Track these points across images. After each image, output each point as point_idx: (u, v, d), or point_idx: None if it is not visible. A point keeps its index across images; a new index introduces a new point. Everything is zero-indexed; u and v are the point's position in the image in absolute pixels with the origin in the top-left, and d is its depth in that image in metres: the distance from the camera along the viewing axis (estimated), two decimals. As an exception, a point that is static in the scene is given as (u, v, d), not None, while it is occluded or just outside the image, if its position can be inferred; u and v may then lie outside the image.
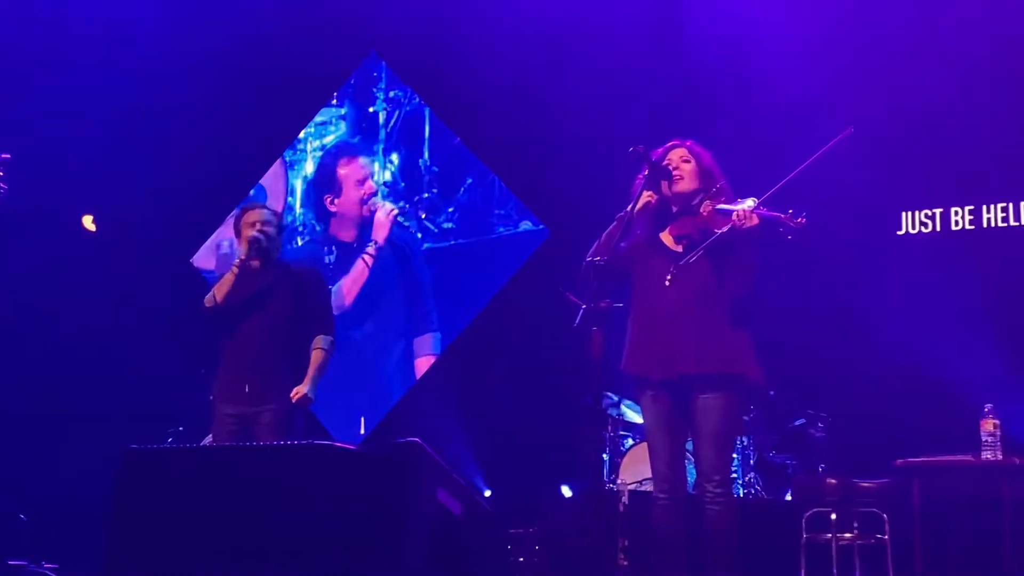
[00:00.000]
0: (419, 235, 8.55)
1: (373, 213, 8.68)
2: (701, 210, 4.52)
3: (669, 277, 4.48)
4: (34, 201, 7.64)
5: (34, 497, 6.63)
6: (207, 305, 5.25)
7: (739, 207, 4.38)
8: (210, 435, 5.34)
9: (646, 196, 4.48)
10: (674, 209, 4.63)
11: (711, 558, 4.39)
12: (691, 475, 6.18)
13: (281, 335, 5.24)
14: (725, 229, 4.40)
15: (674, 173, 4.57)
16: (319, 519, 3.94)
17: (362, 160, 8.84)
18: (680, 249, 4.53)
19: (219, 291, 5.24)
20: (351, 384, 8.35)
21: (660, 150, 4.65)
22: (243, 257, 5.27)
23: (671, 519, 4.48)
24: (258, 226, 5.33)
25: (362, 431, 8.38)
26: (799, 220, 4.28)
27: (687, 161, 4.61)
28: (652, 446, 4.58)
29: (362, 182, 8.78)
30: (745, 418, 6.61)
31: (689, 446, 4.98)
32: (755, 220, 4.35)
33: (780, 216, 4.31)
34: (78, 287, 8.19)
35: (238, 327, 5.27)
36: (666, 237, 4.61)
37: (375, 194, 8.70)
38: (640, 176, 4.58)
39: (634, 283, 4.63)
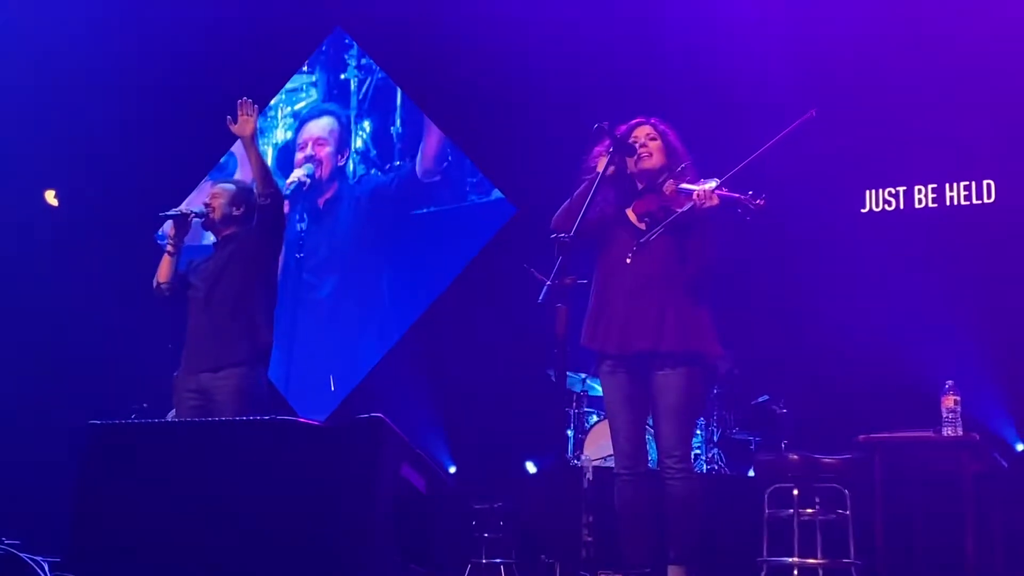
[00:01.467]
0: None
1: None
2: (664, 188, 4.53)
3: (630, 255, 4.50)
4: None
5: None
6: (153, 288, 5.33)
7: (700, 187, 4.40)
8: (173, 411, 5.33)
9: (603, 161, 4.46)
10: (639, 186, 4.64)
11: (674, 533, 4.42)
12: (653, 451, 6.22)
13: (236, 301, 5.23)
14: (686, 208, 4.42)
15: (640, 150, 4.58)
16: (283, 495, 3.92)
17: (325, 121, 8.81)
18: (643, 227, 4.54)
19: (160, 274, 5.32)
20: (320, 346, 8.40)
21: (624, 127, 4.66)
22: (170, 236, 5.32)
23: (633, 495, 4.50)
24: (206, 200, 5.37)
25: (332, 388, 8.35)
26: (758, 202, 4.31)
27: (654, 139, 4.62)
28: (612, 422, 4.59)
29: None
30: (709, 391, 6.66)
31: (650, 422, 5.02)
32: (715, 200, 4.37)
33: (739, 197, 4.33)
34: (41, 263, 8.11)
35: (197, 299, 5.27)
36: (630, 214, 4.62)
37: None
38: (598, 149, 4.58)
39: (598, 258, 4.64)
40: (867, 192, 7.05)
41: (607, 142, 4.53)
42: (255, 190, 5.29)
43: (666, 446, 4.45)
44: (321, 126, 8.82)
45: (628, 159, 4.59)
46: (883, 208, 7.03)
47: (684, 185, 4.48)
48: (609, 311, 4.53)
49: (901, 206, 6.98)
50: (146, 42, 8.46)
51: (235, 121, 5.25)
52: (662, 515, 4.49)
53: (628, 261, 4.49)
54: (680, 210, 4.43)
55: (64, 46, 8.33)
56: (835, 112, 6.96)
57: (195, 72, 8.28)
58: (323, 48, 8.87)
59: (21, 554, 3.98)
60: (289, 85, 8.87)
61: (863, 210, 7.06)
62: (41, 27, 8.28)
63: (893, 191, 7.01)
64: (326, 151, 8.81)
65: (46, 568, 3.93)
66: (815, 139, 6.91)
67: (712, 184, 4.42)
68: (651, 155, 4.59)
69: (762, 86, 6.97)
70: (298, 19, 8.65)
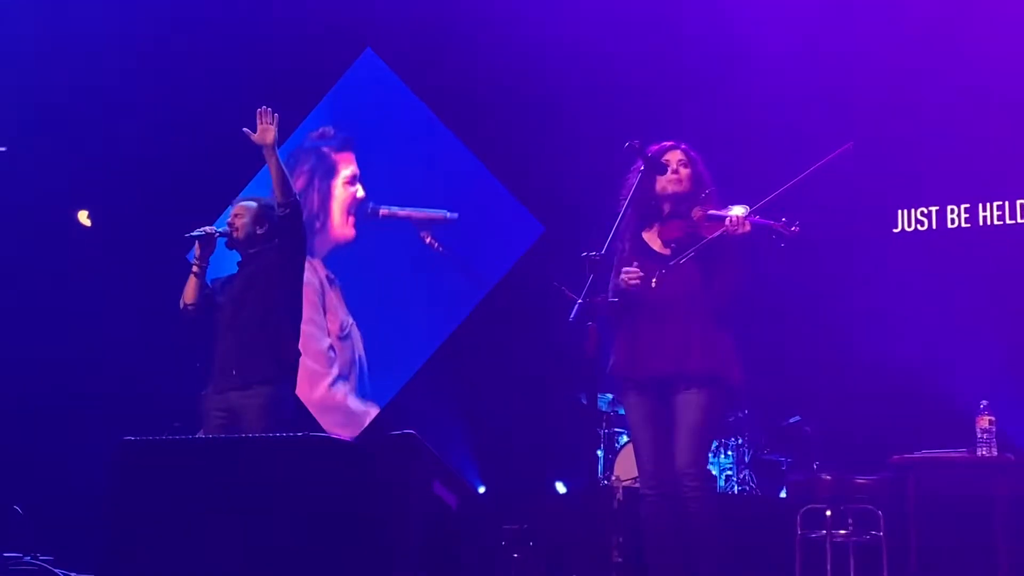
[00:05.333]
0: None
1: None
2: (692, 214, 4.54)
3: (655, 279, 4.51)
4: (30, 195, 7.63)
5: (29, 490, 6.62)
6: (180, 308, 5.35)
7: (731, 213, 4.41)
8: (201, 431, 5.35)
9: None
10: (665, 210, 4.66)
11: (701, 550, 4.41)
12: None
13: (262, 318, 5.25)
14: (716, 235, 4.43)
15: (672, 175, 4.60)
16: (314, 512, 3.93)
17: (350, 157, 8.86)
18: (668, 252, 4.56)
19: (186, 294, 5.34)
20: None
21: (656, 148, 4.68)
22: (197, 255, 5.34)
23: (659, 515, 4.51)
24: (229, 219, 5.41)
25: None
26: (793, 228, 4.34)
27: (685, 165, 4.65)
28: (637, 444, 4.62)
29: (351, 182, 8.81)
30: (733, 417, 6.64)
31: None
32: (747, 227, 4.40)
33: (773, 224, 4.36)
34: (74, 282, 8.17)
35: (224, 317, 5.30)
36: (652, 239, 4.66)
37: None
38: (635, 169, 4.60)
39: (620, 283, 4.64)
40: (899, 212, 7.02)
41: (640, 164, 4.56)
42: (275, 202, 5.31)
43: (681, 463, 4.46)
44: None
45: (658, 178, 4.61)
46: (915, 228, 6.99)
47: (714, 212, 4.49)
48: (635, 337, 4.56)
49: (934, 226, 6.94)
50: (178, 62, 8.52)
51: (254, 131, 5.28)
52: (687, 535, 4.50)
53: (653, 286, 4.51)
54: (710, 236, 4.44)
55: (98, 66, 8.41)
56: (867, 132, 6.96)
57: (228, 90, 8.34)
58: (349, 73, 8.92)
59: (56, 570, 4.01)
60: (313, 111, 8.93)
61: (895, 230, 7.02)
62: (76, 47, 8.36)
63: (925, 211, 6.97)
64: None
65: (79, 584, 3.95)
66: (847, 159, 6.90)
67: (741, 210, 4.44)
68: (681, 181, 4.62)
69: (794, 107, 6.96)
70: (330, 39, 8.71)
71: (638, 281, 4.48)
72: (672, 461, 4.50)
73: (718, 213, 4.48)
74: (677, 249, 4.51)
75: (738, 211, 4.45)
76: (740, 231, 4.40)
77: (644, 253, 4.61)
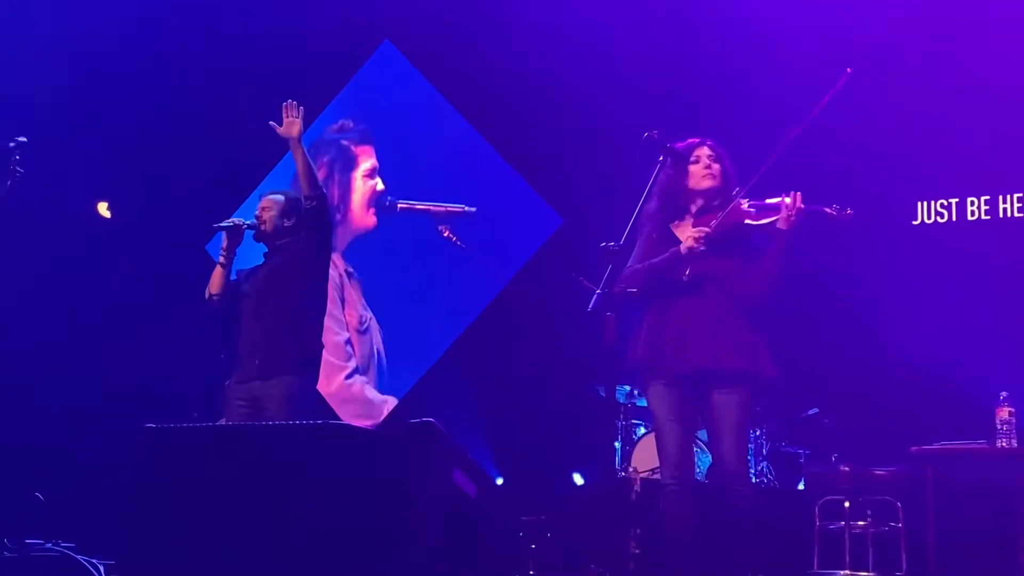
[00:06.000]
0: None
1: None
2: (735, 205, 4.54)
3: (687, 273, 4.51)
4: (51, 187, 7.67)
5: (51, 477, 6.67)
6: (205, 299, 5.42)
7: (781, 201, 4.44)
8: (223, 420, 5.38)
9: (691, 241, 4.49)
10: (693, 207, 4.66)
11: (742, 547, 4.48)
12: (702, 464, 6.21)
13: (286, 309, 5.29)
14: (763, 222, 4.44)
15: (706, 170, 4.60)
16: (334, 499, 3.95)
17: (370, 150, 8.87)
18: (702, 248, 4.55)
19: (211, 285, 5.41)
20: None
21: (682, 144, 4.68)
22: (224, 247, 5.39)
23: (680, 505, 4.53)
24: (257, 211, 5.44)
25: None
26: (847, 212, 4.37)
27: (715, 160, 4.65)
28: (661, 434, 4.63)
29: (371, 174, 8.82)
30: (756, 408, 6.65)
31: (702, 435, 5.01)
32: (800, 214, 4.41)
33: (826, 209, 4.37)
34: (95, 272, 8.22)
35: (248, 308, 5.33)
36: (683, 232, 4.65)
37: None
38: (661, 161, 4.60)
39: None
40: (919, 204, 6.99)
41: (662, 157, 4.57)
42: (302, 195, 5.34)
43: (731, 466, 4.51)
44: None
45: (691, 172, 4.61)
46: (935, 220, 6.96)
47: (769, 200, 4.51)
48: (666, 330, 4.57)
49: (954, 218, 6.90)
50: (199, 54, 8.55)
51: (280, 124, 5.31)
52: (707, 527, 4.53)
53: (685, 279, 4.51)
54: (758, 223, 4.45)
55: (118, 58, 8.45)
56: (887, 123, 6.94)
57: (247, 82, 8.37)
58: (366, 66, 8.93)
59: (77, 556, 4.04)
60: (333, 103, 8.94)
61: (915, 222, 6.99)
62: (97, 39, 8.40)
63: (945, 203, 6.94)
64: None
65: (101, 570, 3.98)
66: (866, 150, 6.89)
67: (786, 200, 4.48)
68: (715, 176, 4.62)
69: (812, 100, 6.93)
70: (348, 32, 8.72)
71: (702, 238, 4.45)
72: (720, 462, 4.56)
73: (766, 202, 4.50)
74: (714, 245, 4.51)
75: (746, 205, 4.50)
76: (795, 217, 4.41)
77: (674, 245, 4.62)
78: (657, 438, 4.68)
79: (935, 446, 5.33)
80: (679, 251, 4.53)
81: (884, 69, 7.06)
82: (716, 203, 4.63)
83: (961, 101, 6.82)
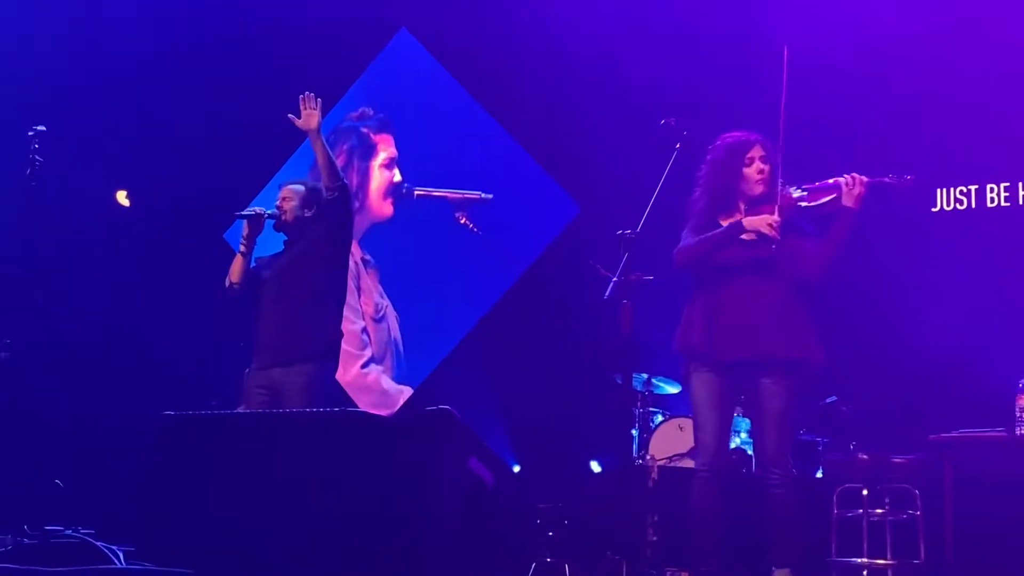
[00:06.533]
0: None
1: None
2: (783, 196, 4.55)
3: (738, 264, 4.56)
4: (69, 175, 7.70)
5: (71, 464, 6.72)
6: (225, 287, 5.44)
7: (835, 182, 4.49)
8: (242, 407, 5.41)
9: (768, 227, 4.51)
10: (741, 203, 4.66)
11: (778, 538, 4.54)
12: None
13: (304, 298, 5.31)
14: (823, 201, 4.45)
15: (758, 175, 4.64)
16: (351, 486, 3.97)
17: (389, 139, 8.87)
18: (753, 237, 4.59)
19: (232, 273, 5.43)
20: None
21: (737, 141, 4.68)
22: (244, 235, 5.41)
23: (709, 493, 4.58)
24: (277, 201, 5.46)
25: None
26: (908, 177, 4.40)
27: (765, 161, 4.66)
28: (699, 420, 4.67)
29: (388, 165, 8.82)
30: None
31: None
32: (863, 187, 4.42)
33: (887, 180, 4.40)
34: (114, 261, 8.26)
35: (268, 295, 5.35)
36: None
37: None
38: (712, 159, 4.63)
39: (700, 267, 4.68)
40: (938, 191, 6.94)
41: (720, 158, 4.61)
42: (323, 185, 5.36)
43: (772, 456, 4.55)
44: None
45: (744, 172, 4.63)
46: (954, 207, 6.92)
47: (818, 183, 4.54)
48: (717, 319, 4.59)
49: (973, 205, 6.86)
50: (215, 42, 8.57)
51: (298, 117, 5.32)
52: (739, 516, 4.57)
53: (735, 270, 4.53)
54: (817, 203, 4.47)
55: (136, 47, 8.47)
56: (905, 110, 6.90)
57: (264, 71, 8.39)
58: (383, 54, 8.92)
59: (97, 543, 4.06)
60: (350, 91, 8.94)
61: (934, 209, 6.95)
62: (115, 29, 8.43)
63: (965, 190, 6.90)
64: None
65: (121, 557, 4.00)
66: (885, 137, 6.85)
67: (797, 192, 4.51)
68: (766, 180, 4.64)
69: (829, 86, 6.91)
70: (365, 20, 8.72)
71: (778, 226, 4.48)
72: (761, 449, 4.59)
73: (816, 184, 4.54)
74: (762, 235, 4.54)
75: (796, 192, 4.53)
76: (857, 190, 4.42)
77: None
78: (695, 424, 4.72)
79: (953, 434, 5.31)
80: (741, 223, 4.56)
81: (902, 55, 7.02)
82: (764, 196, 4.66)
83: (980, 87, 6.77)
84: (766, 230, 4.50)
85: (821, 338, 4.62)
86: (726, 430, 4.73)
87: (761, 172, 4.66)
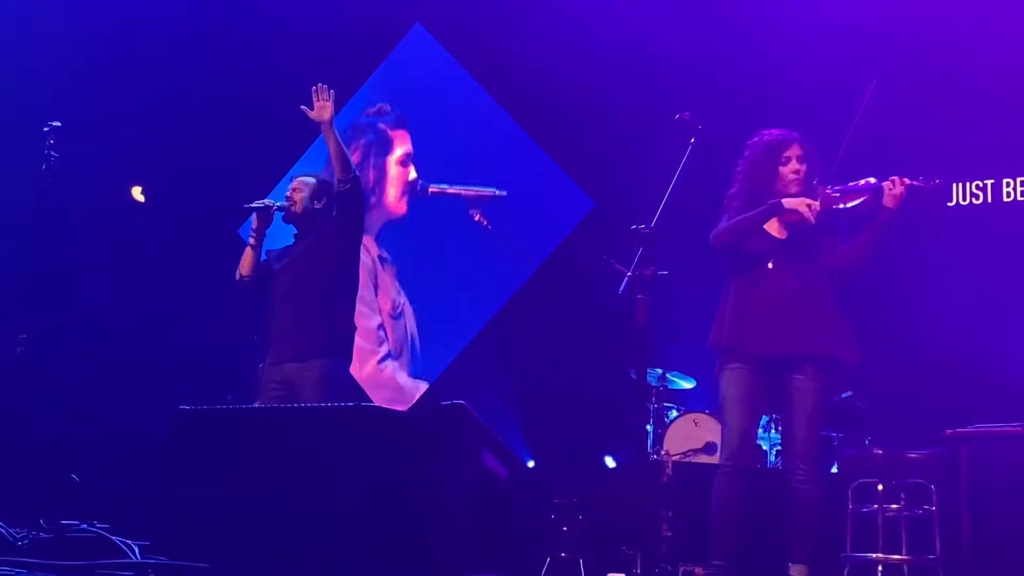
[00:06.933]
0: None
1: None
2: (821, 196, 4.60)
3: (772, 261, 4.60)
4: (84, 171, 7.72)
5: (86, 458, 6.75)
6: (236, 279, 5.45)
7: (872, 180, 4.59)
8: (257, 402, 5.42)
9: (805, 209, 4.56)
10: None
11: (797, 534, 4.57)
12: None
13: (316, 291, 5.30)
14: (857, 203, 4.48)
15: (793, 176, 4.68)
16: (365, 480, 3.97)
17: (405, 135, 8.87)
18: (785, 236, 4.66)
19: (242, 266, 5.44)
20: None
21: (775, 139, 4.69)
22: (254, 228, 5.41)
23: (732, 488, 4.60)
24: (287, 193, 5.46)
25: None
26: (936, 182, 4.44)
27: (801, 161, 4.71)
28: (727, 415, 4.70)
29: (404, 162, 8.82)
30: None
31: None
32: (903, 189, 4.53)
33: (922, 183, 4.46)
34: (128, 255, 8.29)
35: (280, 289, 5.36)
36: (770, 223, 4.72)
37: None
38: (749, 156, 4.64)
39: (733, 264, 4.75)
40: (954, 185, 6.92)
41: (757, 155, 4.63)
42: (335, 178, 5.35)
43: (800, 451, 4.58)
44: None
45: (780, 171, 4.65)
46: (970, 201, 6.89)
47: (852, 184, 4.58)
48: (751, 316, 4.63)
49: (989, 199, 6.84)
50: (230, 37, 8.59)
51: (311, 108, 5.32)
52: (761, 512, 4.57)
53: (770, 267, 4.56)
54: (850, 204, 4.50)
55: (151, 42, 8.50)
56: (920, 104, 6.87)
57: (278, 65, 8.40)
58: (397, 50, 8.92)
59: (112, 537, 4.07)
60: (365, 87, 8.94)
61: (950, 204, 6.93)
62: (129, 25, 8.45)
63: (980, 184, 6.88)
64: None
65: (136, 551, 4.01)
66: (900, 132, 6.82)
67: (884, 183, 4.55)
68: (801, 181, 4.66)
69: (843, 80, 6.87)
70: (379, 15, 8.73)
71: (817, 211, 4.53)
72: (789, 443, 4.64)
73: (849, 185, 4.60)
74: (796, 233, 4.61)
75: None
76: (897, 191, 4.46)
77: (759, 234, 4.66)
78: (723, 419, 4.76)
79: (969, 429, 5.28)
80: (780, 202, 4.59)
81: (919, 49, 6.99)
82: (799, 195, 4.68)
83: (996, 82, 6.74)
84: (804, 210, 4.55)
85: (856, 336, 4.63)
86: (753, 427, 4.77)
87: (796, 172, 4.70)
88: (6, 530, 4.06)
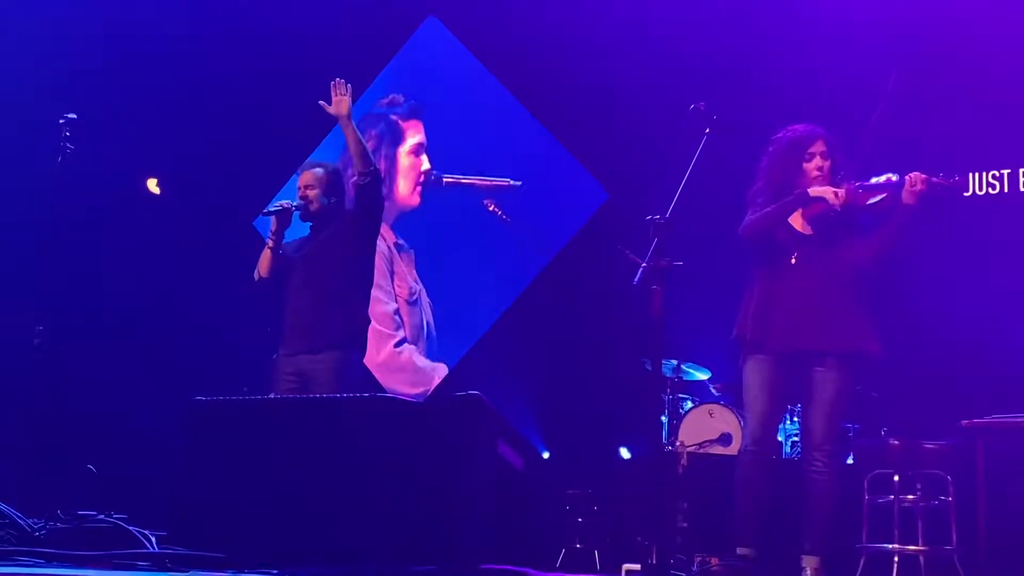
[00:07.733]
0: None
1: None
2: (847, 191, 4.63)
3: (795, 256, 4.63)
4: (100, 163, 7.75)
5: (103, 449, 6.77)
6: (256, 279, 5.46)
7: (893, 176, 4.62)
8: (272, 393, 5.43)
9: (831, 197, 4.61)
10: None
11: (811, 523, 4.61)
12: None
13: (332, 284, 5.31)
14: (872, 201, 4.49)
15: (816, 172, 4.71)
16: (381, 471, 3.98)
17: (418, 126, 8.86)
18: (809, 231, 4.70)
19: (260, 267, 5.44)
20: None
21: (800, 135, 4.69)
22: (273, 230, 5.42)
23: (754, 473, 4.67)
24: (300, 191, 5.44)
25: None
26: (956, 179, 4.48)
27: (826, 157, 4.75)
28: (751, 404, 4.75)
29: (417, 152, 8.82)
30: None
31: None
32: (923, 186, 4.56)
33: (941, 180, 4.48)
34: (144, 248, 8.31)
35: (296, 281, 5.36)
36: (794, 217, 4.74)
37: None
38: (774, 151, 4.65)
39: (758, 259, 4.78)
40: (970, 175, 6.89)
41: (781, 150, 4.64)
42: (355, 171, 5.36)
43: (816, 440, 4.63)
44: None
45: (804, 167, 4.67)
46: (987, 191, 6.86)
47: (874, 180, 4.59)
48: (775, 310, 4.66)
49: (1006, 189, 6.81)
50: (244, 29, 8.59)
51: (329, 103, 5.33)
52: (781, 499, 4.60)
53: (794, 262, 4.58)
54: (871, 201, 4.55)
55: (167, 34, 8.51)
56: (937, 93, 6.83)
57: (293, 57, 8.40)
58: (412, 41, 8.91)
59: (129, 527, 4.08)
60: (380, 77, 8.93)
61: (966, 193, 6.89)
62: (146, 18, 8.46)
63: (997, 174, 6.84)
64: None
65: (153, 541, 4.02)
66: (917, 121, 6.79)
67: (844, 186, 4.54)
68: (825, 177, 4.68)
69: (860, 69, 6.85)
70: (393, 6, 8.72)
71: (842, 199, 4.57)
72: (807, 433, 4.68)
73: (871, 182, 4.63)
74: (820, 228, 4.65)
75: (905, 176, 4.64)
76: (919, 187, 4.51)
77: (784, 228, 4.67)
78: (746, 408, 4.80)
79: (986, 419, 5.26)
80: (807, 192, 4.63)
81: (934, 38, 6.96)
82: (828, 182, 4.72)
83: (1012, 71, 6.70)
84: (831, 197, 4.59)
85: (879, 329, 4.64)
86: (776, 418, 4.81)
87: (820, 168, 4.71)
88: (24, 520, 4.07)
